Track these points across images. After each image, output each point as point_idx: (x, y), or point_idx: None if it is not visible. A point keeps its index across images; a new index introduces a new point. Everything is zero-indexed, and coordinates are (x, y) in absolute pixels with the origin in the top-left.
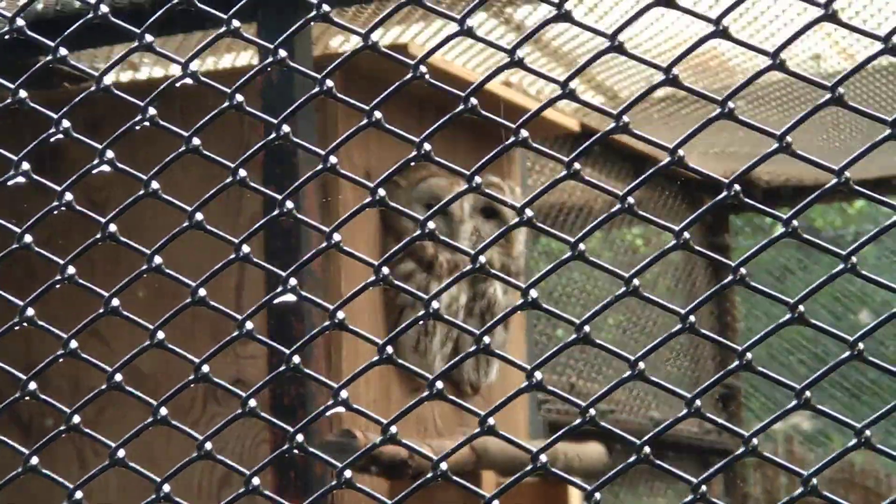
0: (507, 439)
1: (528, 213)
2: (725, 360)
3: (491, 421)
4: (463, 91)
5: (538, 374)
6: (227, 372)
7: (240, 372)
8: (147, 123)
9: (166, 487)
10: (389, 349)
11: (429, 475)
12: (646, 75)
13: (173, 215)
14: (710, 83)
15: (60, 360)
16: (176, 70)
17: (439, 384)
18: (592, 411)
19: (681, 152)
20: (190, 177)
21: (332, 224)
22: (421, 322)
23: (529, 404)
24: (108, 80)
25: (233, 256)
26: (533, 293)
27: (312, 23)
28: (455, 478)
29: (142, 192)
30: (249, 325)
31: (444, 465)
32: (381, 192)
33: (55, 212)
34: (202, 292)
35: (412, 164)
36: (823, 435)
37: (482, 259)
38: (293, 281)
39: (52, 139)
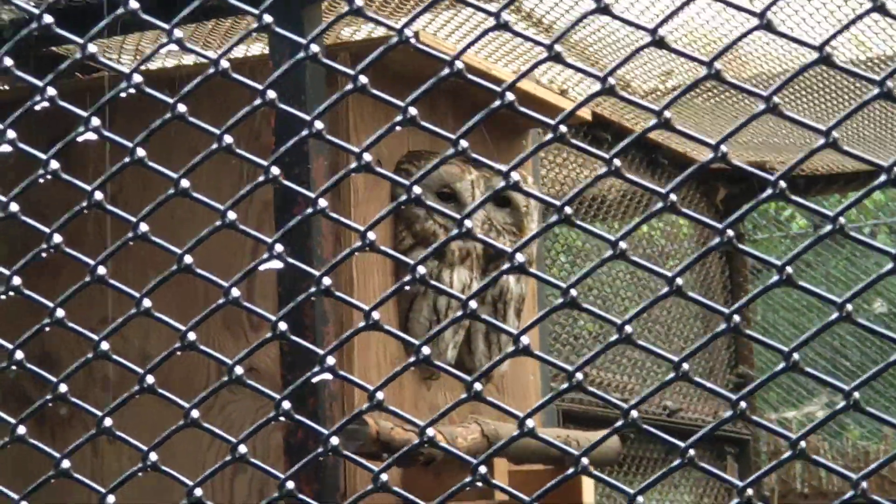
0: (496, 405)
1: (568, 210)
2: (739, 350)
3: (530, 423)
4: (489, 83)
5: (579, 375)
6: (230, 356)
7: (252, 360)
8: (166, 115)
9: (198, 491)
10: (426, 350)
11: (467, 479)
12: (642, 62)
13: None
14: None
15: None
16: (186, 60)
17: (425, 350)
18: (635, 413)
19: (724, 148)
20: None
21: (344, 211)
22: (431, 312)
23: (543, 394)
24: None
25: (218, 223)
26: (573, 292)
27: (324, 15)
28: (497, 483)
29: (171, 191)
30: (236, 291)
31: (482, 469)
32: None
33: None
34: (188, 259)
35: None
36: (838, 425)
37: (520, 258)
38: (279, 247)
39: (79, 138)
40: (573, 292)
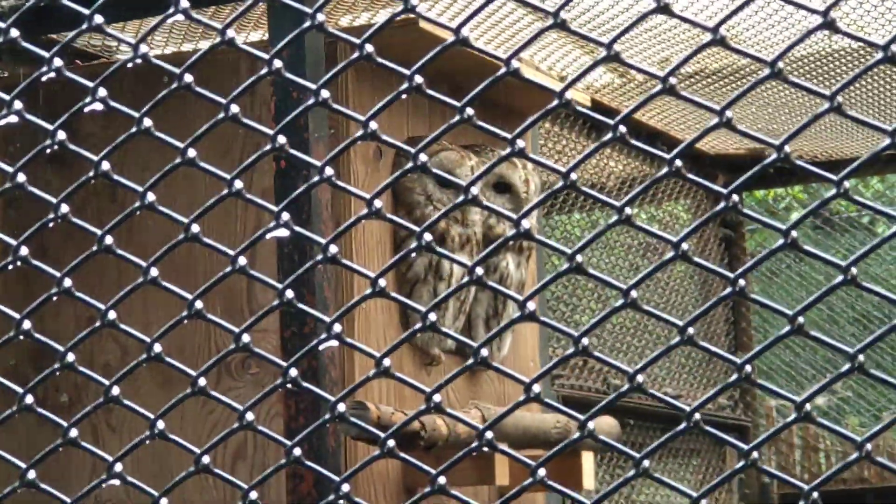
0: (504, 372)
1: (573, 176)
2: (738, 336)
3: (536, 388)
4: (499, 64)
5: (585, 340)
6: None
7: (252, 346)
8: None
9: (206, 458)
10: (432, 316)
11: (474, 444)
12: (640, 49)
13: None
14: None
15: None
16: (186, 46)
17: (432, 316)
18: (640, 378)
19: (787, 149)
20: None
21: (345, 195)
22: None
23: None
24: (125, 54)
25: (225, 192)
26: (633, 294)
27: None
28: (503, 448)
29: (178, 160)
30: (242, 260)
31: (489, 434)
32: (423, 156)
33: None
34: (195, 228)
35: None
36: (838, 412)
37: (525, 224)
38: (286, 216)
39: (86, 108)
40: (579, 258)
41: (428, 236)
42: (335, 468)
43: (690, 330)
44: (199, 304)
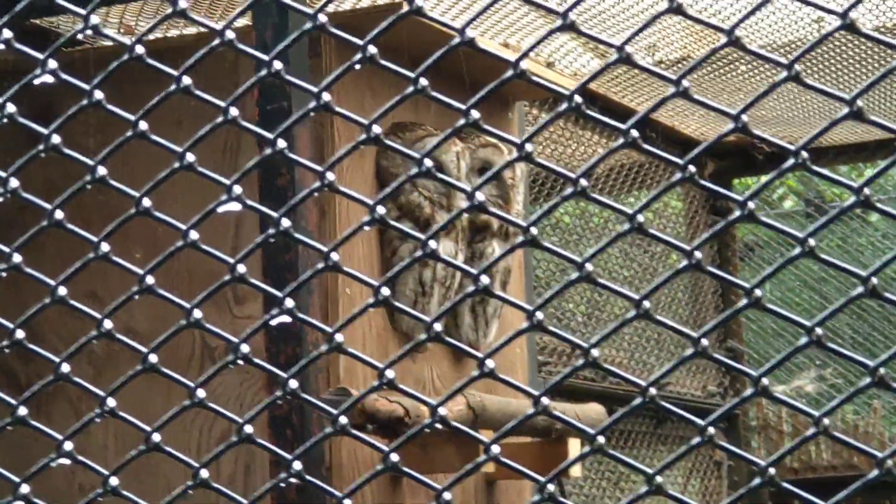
0: (508, 382)
1: (584, 182)
2: (728, 324)
3: (490, 363)
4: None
5: (594, 352)
6: (224, 332)
7: (236, 333)
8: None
9: (156, 436)
10: (438, 326)
11: (426, 421)
12: (626, 35)
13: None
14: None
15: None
16: (172, 32)
17: (437, 326)
18: (653, 390)
19: (744, 117)
20: (185, 128)
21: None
22: (419, 281)
23: (529, 366)
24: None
25: (224, 197)
26: (588, 267)
27: None
28: (456, 424)
29: (129, 132)
30: (242, 268)
31: (442, 411)
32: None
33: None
34: (194, 235)
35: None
36: (827, 398)
37: (534, 231)
38: (237, 189)
39: (36, 80)
40: (588, 266)
41: (433, 244)
42: (319, 455)
43: (646, 304)
44: (150, 279)
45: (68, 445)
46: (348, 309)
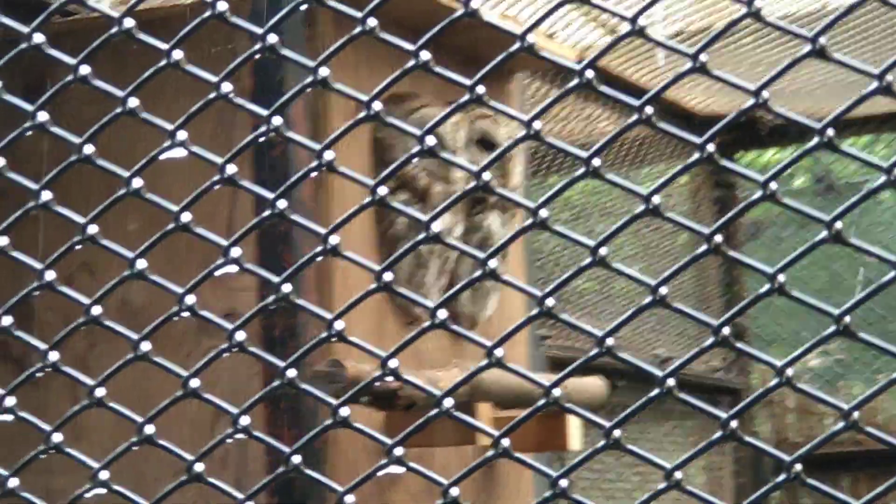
0: (518, 372)
1: (596, 161)
2: (732, 300)
3: (499, 352)
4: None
5: (609, 340)
6: (220, 305)
7: (233, 305)
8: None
9: (149, 429)
10: (388, 276)
11: (433, 412)
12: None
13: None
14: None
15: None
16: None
17: (442, 313)
18: (672, 383)
19: (765, 93)
20: (180, 104)
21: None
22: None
23: (529, 339)
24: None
25: (217, 178)
26: (602, 252)
27: None
28: (460, 415)
29: (119, 109)
30: (237, 251)
31: (449, 402)
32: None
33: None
34: (186, 217)
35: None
36: (832, 373)
37: (544, 213)
38: (282, 203)
39: (71, 85)
40: (602, 251)
41: (436, 227)
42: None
43: (663, 290)
44: (141, 263)
45: (104, 475)
46: (342, 282)
